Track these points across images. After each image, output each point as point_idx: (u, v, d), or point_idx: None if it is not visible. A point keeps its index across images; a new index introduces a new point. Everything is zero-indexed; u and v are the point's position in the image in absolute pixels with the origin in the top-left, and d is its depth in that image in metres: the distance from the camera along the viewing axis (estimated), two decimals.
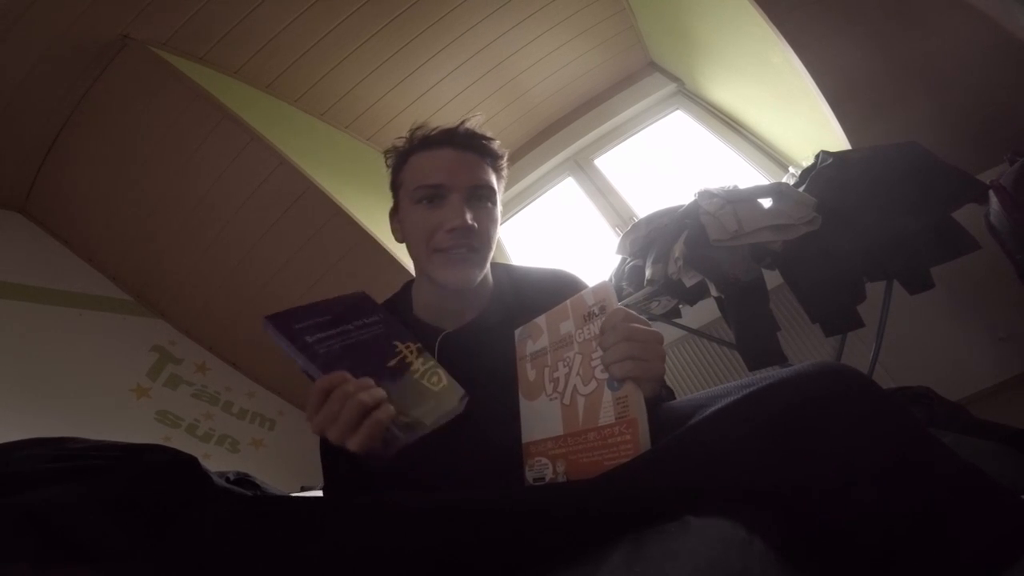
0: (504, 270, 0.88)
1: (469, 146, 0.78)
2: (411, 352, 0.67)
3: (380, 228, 1.97)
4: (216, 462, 2.02)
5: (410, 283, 0.89)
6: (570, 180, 2.66)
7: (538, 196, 2.69)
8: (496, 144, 0.81)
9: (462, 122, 0.80)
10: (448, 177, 0.75)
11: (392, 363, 0.64)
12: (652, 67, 2.60)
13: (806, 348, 1.91)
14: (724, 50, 2.14)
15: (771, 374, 0.48)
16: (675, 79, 2.54)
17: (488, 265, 0.80)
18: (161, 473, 0.45)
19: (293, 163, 1.82)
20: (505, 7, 2.07)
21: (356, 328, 0.66)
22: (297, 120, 2.07)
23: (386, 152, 0.84)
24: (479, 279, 0.78)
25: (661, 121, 2.62)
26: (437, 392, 0.64)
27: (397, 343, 0.67)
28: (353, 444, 0.54)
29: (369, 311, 0.70)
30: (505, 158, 0.83)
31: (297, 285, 2.11)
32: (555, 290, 0.83)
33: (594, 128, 2.60)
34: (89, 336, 2.01)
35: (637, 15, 2.33)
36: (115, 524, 0.40)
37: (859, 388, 0.45)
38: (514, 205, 2.65)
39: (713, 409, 0.47)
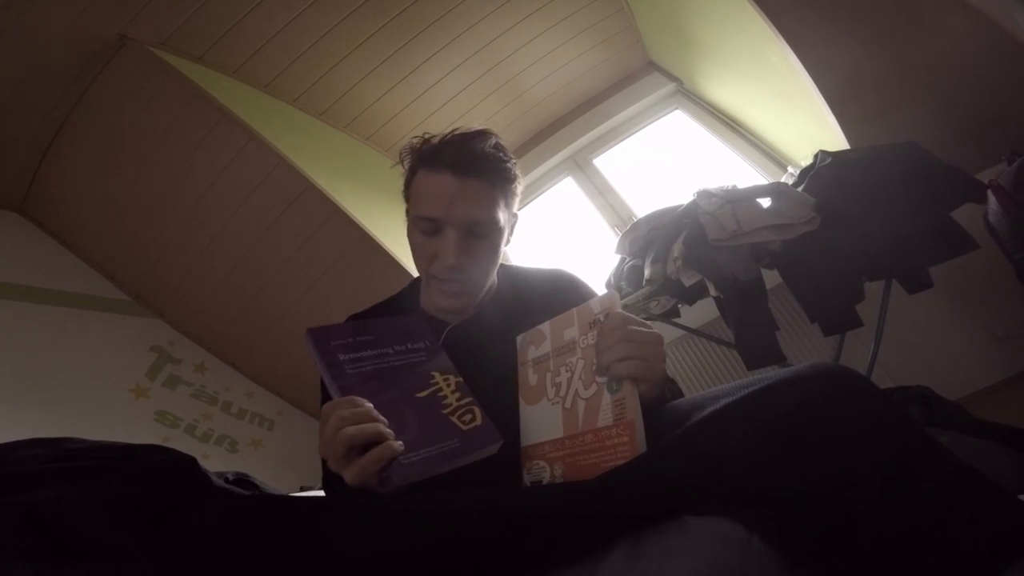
0: (503, 270, 0.89)
1: (472, 171, 0.72)
2: (448, 385, 0.64)
3: (379, 228, 1.97)
4: (215, 462, 2.02)
5: (419, 279, 0.90)
6: (569, 180, 2.66)
7: (537, 196, 2.69)
8: (509, 165, 0.76)
9: (474, 136, 0.75)
10: (444, 211, 0.71)
11: (423, 394, 0.61)
12: (651, 67, 2.60)
13: (805, 348, 1.91)
14: (723, 49, 2.14)
15: (769, 375, 0.48)
16: (674, 79, 2.54)
17: (488, 284, 0.81)
18: (160, 473, 0.45)
19: (292, 163, 1.82)
20: (504, 7, 2.07)
21: (396, 353, 0.63)
22: (296, 120, 2.07)
23: (401, 153, 0.81)
24: (475, 302, 0.80)
25: (660, 121, 2.62)
26: (466, 431, 0.60)
27: (435, 374, 0.64)
28: (346, 477, 0.52)
29: (417, 335, 0.67)
30: (518, 180, 0.78)
31: (296, 285, 2.11)
32: (553, 290, 0.85)
33: (593, 128, 2.60)
34: (87, 336, 2.01)
35: (636, 14, 2.33)
36: (114, 524, 0.40)
37: (856, 389, 0.45)
38: None
39: (711, 410, 0.47)
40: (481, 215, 0.72)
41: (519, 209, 0.84)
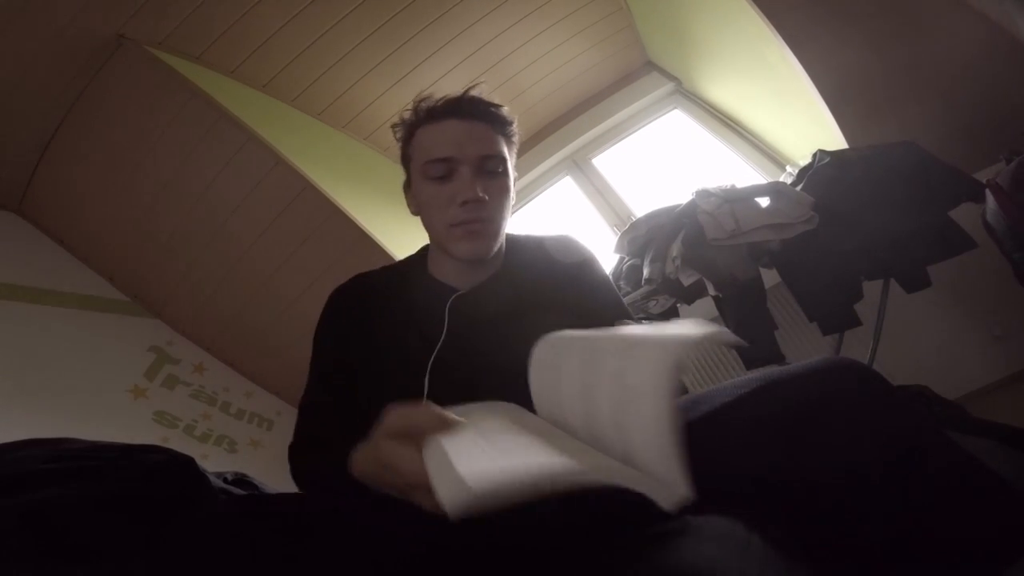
0: (510, 239, 0.88)
1: (475, 115, 0.75)
2: None
3: (378, 228, 1.97)
4: (214, 462, 2.01)
5: (426, 248, 0.88)
6: (568, 179, 2.66)
7: (536, 195, 2.69)
8: (504, 110, 0.78)
9: (467, 90, 0.77)
10: (456, 150, 0.73)
11: None
12: (650, 66, 2.60)
13: (804, 347, 1.91)
14: (722, 49, 2.14)
15: (779, 369, 0.47)
16: (673, 78, 2.54)
17: (503, 233, 0.80)
18: (158, 474, 0.45)
19: (290, 163, 1.82)
20: (502, 6, 2.07)
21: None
22: (294, 119, 2.07)
23: (393, 126, 0.83)
24: (495, 249, 0.77)
25: (659, 120, 2.62)
26: None
27: None
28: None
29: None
30: (515, 124, 0.80)
31: (295, 284, 2.11)
32: (564, 255, 0.85)
33: (592, 127, 2.60)
34: (86, 337, 2.00)
35: (635, 14, 2.33)
36: (112, 525, 0.40)
37: (866, 381, 0.44)
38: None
39: (717, 405, 0.47)
40: (491, 149, 0.75)
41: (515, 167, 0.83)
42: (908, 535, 0.39)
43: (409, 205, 0.84)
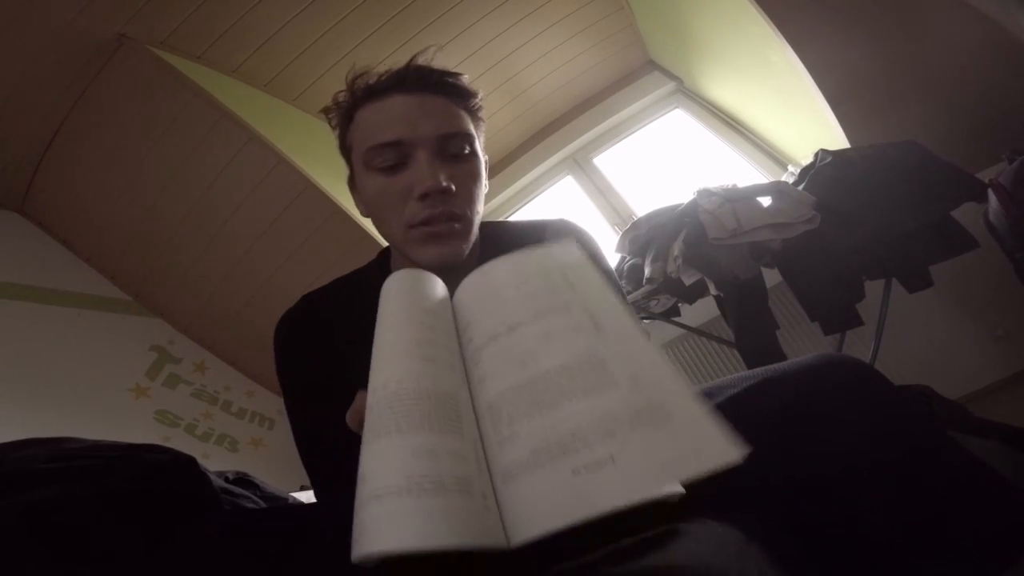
0: (491, 228, 0.74)
1: (427, 87, 0.61)
2: None
3: None
4: (215, 461, 2.02)
5: (387, 250, 0.73)
6: (569, 179, 2.66)
7: (537, 195, 2.68)
8: (465, 79, 0.64)
9: (412, 58, 0.63)
10: (407, 130, 0.59)
11: None
12: (651, 65, 2.60)
13: (805, 346, 1.91)
14: (723, 49, 2.14)
15: (774, 367, 0.47)
16: (674, 78, 2.53)
17: (476, 230, 0.65)
18: (160, 473, 0.45)
19: (292, 162, 1.82)
20: (504, 6, 2.06)
21: None
22: (295, 118, 2.07)
23: (326, 111, 0.68)
24: (468, 250, 0.63)
25: (660, 120, 2.62)
26: None
27: None
28: None
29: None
30: (479, 96, 0.66)
31: (296, 284, 2.09)
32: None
33: (593, 127, 2.60)
34: (87, 336, 2.01)
35: (636, 13, 2.33)
36: (113, 524, 0.40)
37: (864, 377, 0.44)
38: (513, 204, 2.65)
39: (713, 404, 0.47)
40: (452, 126, 0.61)
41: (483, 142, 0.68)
42: (908, 535, 0.39)
43: (357, 206, 0.69)
